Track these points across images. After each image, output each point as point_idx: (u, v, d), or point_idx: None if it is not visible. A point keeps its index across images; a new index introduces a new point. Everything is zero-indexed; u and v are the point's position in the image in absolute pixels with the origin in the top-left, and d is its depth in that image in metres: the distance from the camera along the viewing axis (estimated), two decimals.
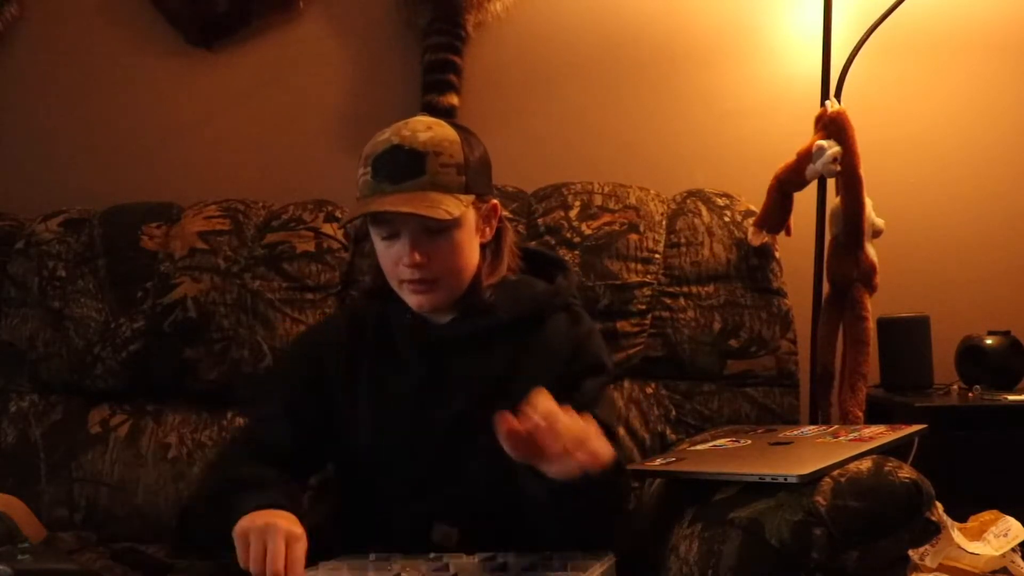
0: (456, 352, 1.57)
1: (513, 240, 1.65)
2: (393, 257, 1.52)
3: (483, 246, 1.58)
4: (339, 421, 1.59)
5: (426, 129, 1.50)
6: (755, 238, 2.04)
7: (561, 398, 1.48)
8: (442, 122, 1.54)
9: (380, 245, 1.54)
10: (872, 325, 2.09)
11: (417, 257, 1.49)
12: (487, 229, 1.58)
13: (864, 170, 2.05)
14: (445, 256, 1.51)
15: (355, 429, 1.58)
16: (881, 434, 1.50)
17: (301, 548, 1.36)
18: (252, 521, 1.37)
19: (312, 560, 1.41)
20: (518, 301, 1.58)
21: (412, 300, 1.54)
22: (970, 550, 1.72)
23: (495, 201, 1.59)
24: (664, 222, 2.08)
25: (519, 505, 1.43)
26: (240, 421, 2.07)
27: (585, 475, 1.30)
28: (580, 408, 1.39)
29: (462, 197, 1.49)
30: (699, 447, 1.68)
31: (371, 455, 1.57)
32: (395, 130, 1.52)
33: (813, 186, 2.13)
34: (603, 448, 1.32)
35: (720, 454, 1.60)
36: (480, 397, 1.52)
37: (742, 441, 1.67)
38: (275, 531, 1.35)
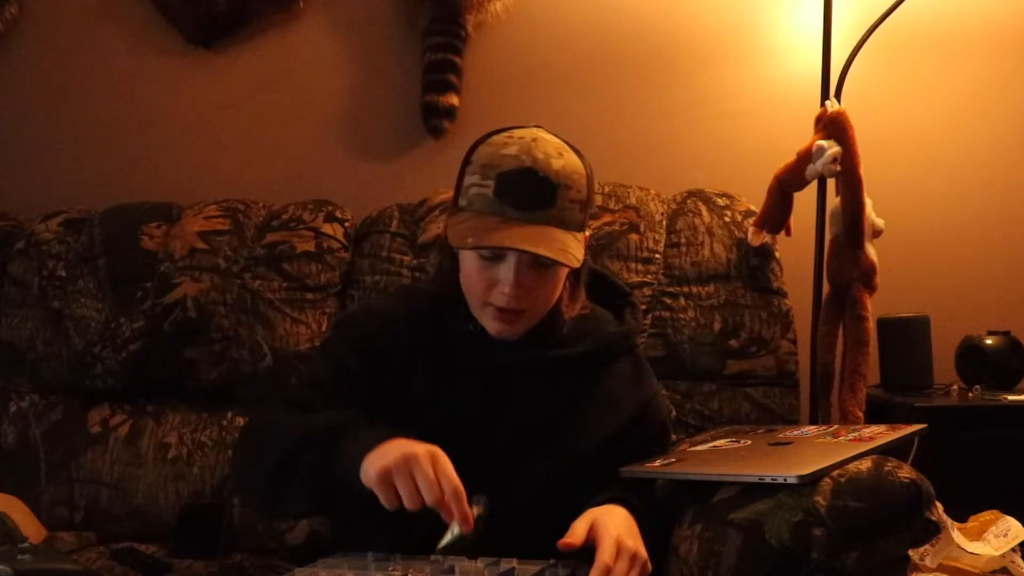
0: (516, 378, 1.51)
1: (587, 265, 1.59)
2: (488, 280, 1.44)
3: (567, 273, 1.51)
4: (386, 412, 1.48)
5: (558, 155, 1.43)
6: (755, 238, 2.04)
7: (621, 453, 1.51)
8: (566, 146, 1.46)
9: (475, 263, 1.45)
10: (872, 325, 2.08)
11: (518, 291, 1.42)
12: None
13: (864, 170, 2.05)
14: (543, 291, 1.46)
15: (399, 427, 1.47)
16: (881, 434, 1.50)
17: (446, 461, 1.27)
18: (384, 459, 1.26)
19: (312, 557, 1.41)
20: (588, 337, 1.54)
21: (492, 326, 1.47)
22: (970, 550, 1.71)
23: (587, 231, 1.53)
24: (664, 222, 2.08)
25: (552, 521, 1.41)
26: (240, 421, 2.07)
27: None
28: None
29: (579, 236, 1.44)
30: (699, 447, 1.68)
31: None
32: (524, 147, 1.42)
33: (813, 186, 2.13)
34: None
35: (720, 454, 1.60)
36: (536, 429, 1.50)
37: (742, 441, 1.67)
38: (416, 460, 1.24)
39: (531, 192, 1.40)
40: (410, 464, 1.25)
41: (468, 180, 1.45)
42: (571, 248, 1.41)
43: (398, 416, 1.47)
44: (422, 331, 1.54)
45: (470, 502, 1.29)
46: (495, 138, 1.46)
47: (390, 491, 1.26)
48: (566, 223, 1.42)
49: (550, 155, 1.42)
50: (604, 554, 1.29)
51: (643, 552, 1.33)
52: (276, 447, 1.41)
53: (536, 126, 1.49)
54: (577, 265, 1.42)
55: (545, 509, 1.44)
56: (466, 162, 1.47)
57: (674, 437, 1.95)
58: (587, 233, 1.52)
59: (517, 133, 1.46)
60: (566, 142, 1.48)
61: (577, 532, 1.33)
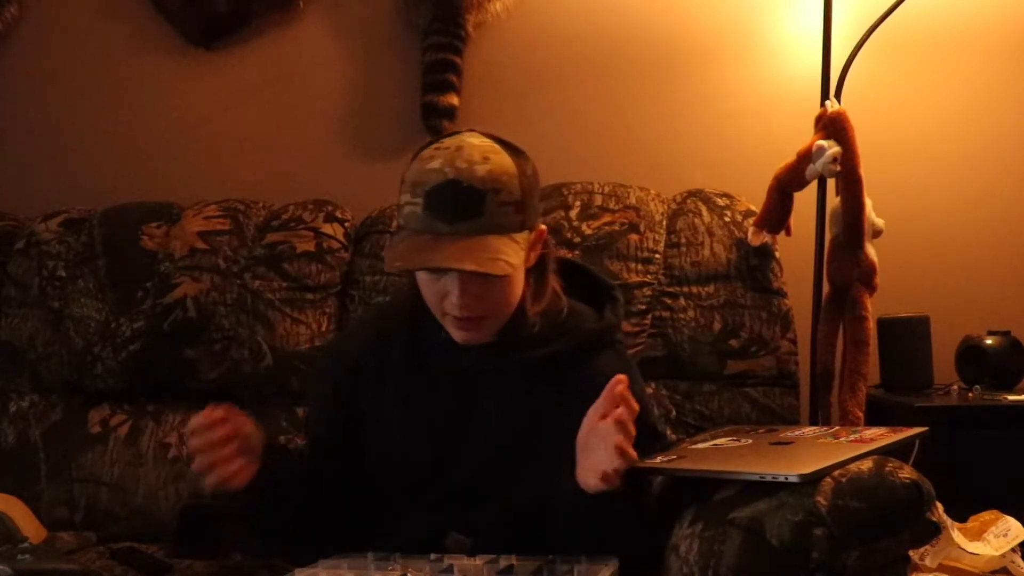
0: (491, 380, 1.51)
1: (555, 259, 1.58)
2: (438, 292, 1.44)
3: (527, 271, 1.50)
4: (366, 433, 1.55)
5: (483, 160, 1.39)
6: (755, 238, 2.04)
7: None
8: (496, 146, 1.43)
9: (424, 278, 1.45)
10: (872, 325, 2.08)
11: (466, 301, 1.41)
12: (532, 255, 1.49)
13: (864, 170, 2.05)
14: (495, 298, 1.44)
15: (381, 444, 1.54)
16: (882, 435, 1.50)
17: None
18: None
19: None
20: (564, 336, 1.52)
21: (457, 335, 1.47)
22: (970, 550, 1.72)
23: (542, 226, 1.50)
24: (664, 222, 2.08)
25: (537, 519, 1.42)
26: None
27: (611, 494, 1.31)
28: None
29: (519, 238, 1.41)
30: (699, 446, 1.68)
31: (392, 470, 1.53)
32: (448, 159, 1.39)
33: (813, 186, 2.13)
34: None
35: (720, 453, 1.60)
36: (513, 429, 1.49)
37: (742, 440, 1.67)
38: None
39: (458, 204, 1.37)
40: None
41: (402, 199, 1.42)
42: (505, 254, 1.38)
43: (380, 432, 1.52)
44: (394, 346, 1.55)
45: (445, 542, 1.33)
46: (424, 152, 1.43)
47: (211, 485, 1.40)
48: (501, 228, 1.39)
49: (474, 162, 1.39)
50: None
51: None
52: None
53: (469, 130, 1.46)
54: (511, 271, 1.39)
55: (534, 509, 1.43)
56: (401, 181, 1.44)
57: (674, 437, 1.96)
58: (537, 229, 1.48)
59: (445, 143, 1.43)
60: (500, 140, 1.45)
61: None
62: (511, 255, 1.38)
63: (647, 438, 1.47)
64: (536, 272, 1.52)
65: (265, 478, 1.43)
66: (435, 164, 1.39)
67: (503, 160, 1.41)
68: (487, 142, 1.43)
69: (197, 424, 1.38)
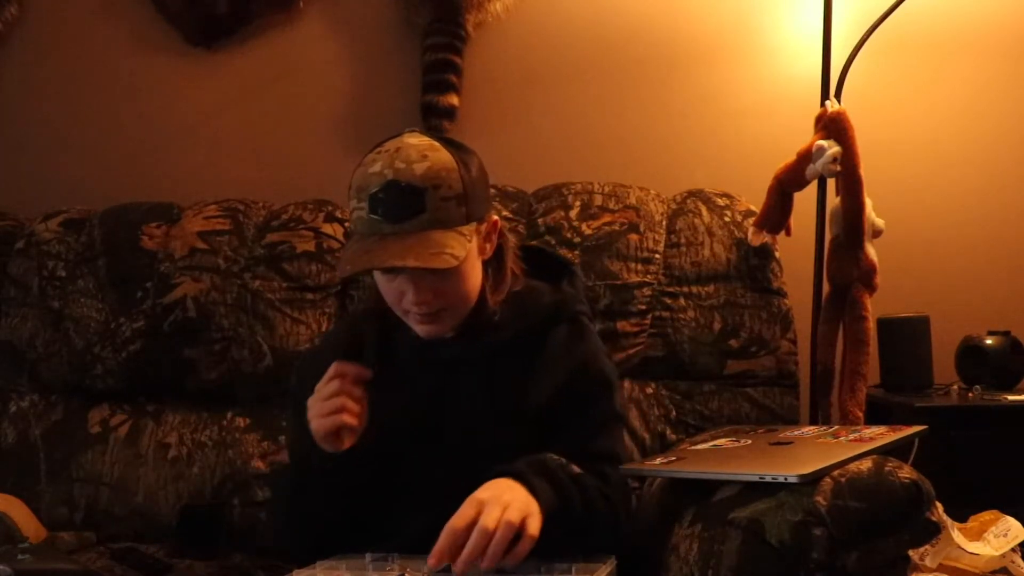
0: (461, 368, 1.55)
1: (515, 247, 1.62)
2: (395, 292, 1.48)
3: (485, 262, 1.54)
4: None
5: (421, 158, 1.42)
6: (755, 238, 2.04)
7: (565, 412, 1.52)
8: (435, 144, 1.46)
9: (380, 279, 1.49)
10: (872, 325, 2.08)
11: (422, 297, 1.45)
12: (488, 246, 1.53)
13: (864, 170, 2.04)
14: (450, 290, 1.47)
15: (361, 446, 1.55)
16: (881, 435, 1.50)
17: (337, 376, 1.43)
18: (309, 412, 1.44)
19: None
20: (524, 315, 1.56)
21: (420, 330, 1.51)
22: (970, 550, 1.72)
23: (495, 217, 1.54)
24: (664, 222, 2.08)
25: None
26: (240, 421, 2.08)
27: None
28: (586, 435, 1.49)
29: (465, 230, 1.44)
30: (699, 447, 1.68)
31: (378, 470, 1.54)
32: (388, 161, 1.43)
33: (813, 186, 2.13)
34: (525, 527, 1.30)
35: (720, 454, 1.60)
36: (487, 413, 1.52)
37: (742, 441, 1.67)
38: (317, 391, 1.43)
39: (399, 204, 1.41)
40: (316, 396, 1.43)
41: (351, 205, 1.46)
42: (450, 247, 1.41)
43: (363, 435, 1.52)
44: (362, 349, 1.59)
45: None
46: (367, 157, 1.46)
47: (324, 427, 1.42)
48: (444, 222, 1.42)
49: (412, 161, 1.42)
50: (452, 520, 1.29)
51: (519, 500, 1.31)
52: (279, 496, 1.64)
53: (410, 130, 1.49)
54: (456, 263, 1.41)
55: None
56: (348, 187, 1.48)
57: (674, 437, 1.96)
58: (489, 220, 1.51)
59: (385, 146, 1.46)
60: (440, 137, 1.48)
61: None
62: (456, 247, 1.41)
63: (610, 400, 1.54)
64: (494, 262, 1.56)
65: (358, 454, 1.46)
66: (376, 168, 1.43)
67: (441, 156, 1.44)
68: (426, 140, 1.46)
69: (350, 370, 1.43)
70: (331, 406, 1.41)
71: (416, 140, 1.46)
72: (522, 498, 1.33)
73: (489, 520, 1.27)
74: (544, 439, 1.49)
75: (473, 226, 1.46)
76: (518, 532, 1.29)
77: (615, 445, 1.57)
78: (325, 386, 1.43)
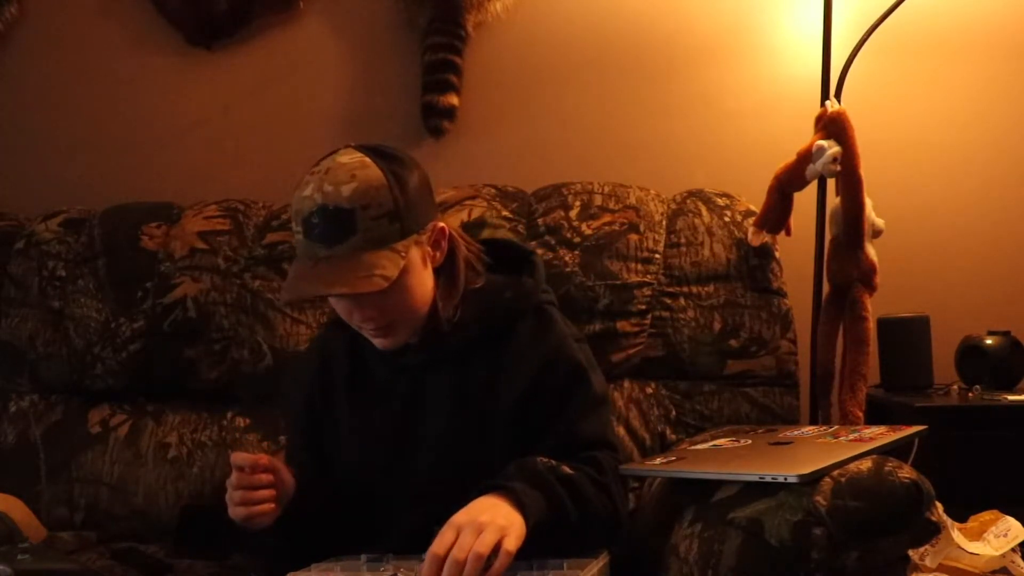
0: (432, 370, 1.55)
1: (468, 250, 1.59)
2: (345, 310, 1.49)
3: (437, 269, 1.54)
4: (329, 445, 1.62)
5: (349, 179, 1.41)
6: (755, 238, 2.04)
7: (538, 406, 1.51)
8: (367, 160, 1.44)
9: (330, 299, 1.51)
10: (872, 325, 2.08)
11: (366, 314, 1.47)
12: (437, 254, 1.52)
13: (864, 170, 2.04)
14: (393, 306, 1.47)
15: (343, 453, 1.60)
16: (881, 435, 1.50)
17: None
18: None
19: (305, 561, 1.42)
20: (485, 313, 1.55)
21: (377, 343, 1.52)
22: (970, 550, 1.71)
23: (440, 224, 1.52)
24: (664, 222, 2.08)
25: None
26: (240, 421, 2.08)
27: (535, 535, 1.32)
28: (570, 425, 1.49)
29: (399, 247, 1.43)
30: (699, 447, 1.68)
31: (362, 476, 1.57)
32: (318, 183, 1.42)
33: (813, 186, 2.13)
34: (507, 532, 1.28)
35: (720, 454, 1.60)
36: (460, 412, 1.53)
37: (742, 441, 1.67)
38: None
39: (330, 228, 1.41)
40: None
41: (293, 228, 1.47)
42: (381, 267, 1.40)
43: (343, 446, 1.59)
44: (333, 361, 1.62)
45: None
46: (303, 179, 1.46)
47: (238, 517, 1.44)
48: (377, 241, 1.41)
49: (340, 182, 1.41)
50: (433, 546, 1.28)
51: (497, 521, 1.29)
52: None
53: (346, 146, 1.48)
54: (385, 284, 1.40)
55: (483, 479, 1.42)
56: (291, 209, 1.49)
57: (674, 437, 1.96)
58: (432, 228, 1.50)
59: (319, 166, 1.45)
60: (374, 150, 1.46)
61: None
62: (388, 267, 1.41)
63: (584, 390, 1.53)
64: (447, 267, 1.55)
65: (284, 523, 1.48)
66: (307, 191, 1.43)
67: (370, 174, 1.43)
68: (356, 157, 1.45)
69: (245, 461, 1.43)
70: (235, 498, 1.43)
71: (347, 158, 1.44)
72: (502, 515, 1.30)
73: (459, 552, 1.25)
74: (528, 434, 1.49)
75: (412, 239, 1.45)
76: (496, 546, 1.27)
77: (602, 428, 1.56)
78: (229, 479, 1.45)
